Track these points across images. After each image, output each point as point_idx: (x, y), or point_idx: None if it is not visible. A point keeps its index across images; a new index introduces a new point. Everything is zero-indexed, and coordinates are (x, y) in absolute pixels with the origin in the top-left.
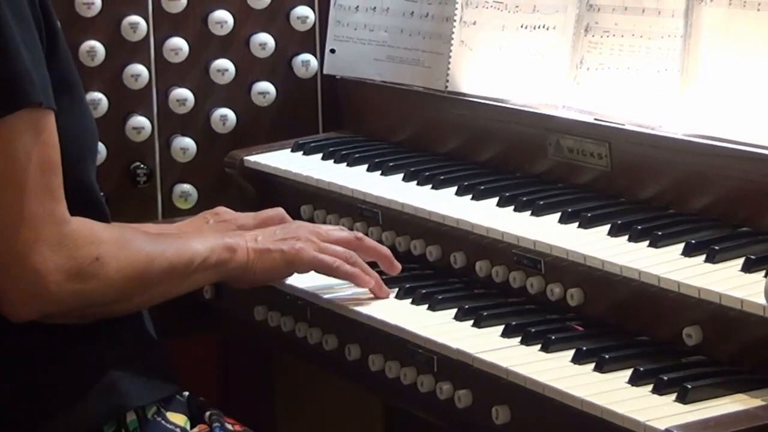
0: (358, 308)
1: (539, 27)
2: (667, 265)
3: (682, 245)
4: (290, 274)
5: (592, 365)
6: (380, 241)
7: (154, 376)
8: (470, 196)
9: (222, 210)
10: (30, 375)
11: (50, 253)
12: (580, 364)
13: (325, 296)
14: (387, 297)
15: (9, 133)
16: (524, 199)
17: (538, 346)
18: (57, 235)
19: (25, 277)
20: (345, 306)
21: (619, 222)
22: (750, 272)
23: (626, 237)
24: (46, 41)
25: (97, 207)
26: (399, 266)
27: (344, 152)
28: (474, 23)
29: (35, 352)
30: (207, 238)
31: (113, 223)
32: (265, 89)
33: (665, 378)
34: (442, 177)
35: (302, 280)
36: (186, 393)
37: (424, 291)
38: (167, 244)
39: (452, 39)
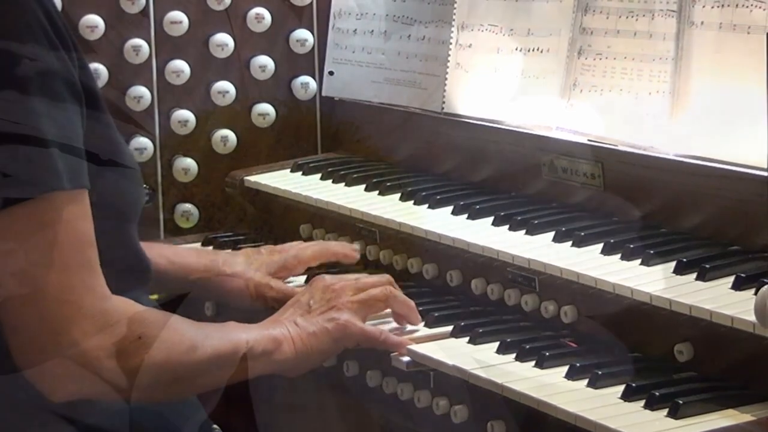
0: None
1: (533, 50)
2: (659, 283)
3: (673, 263)
4: (340, 350)
5: (586, 381)
6: (378, 260)
7: (192, 413)
8: (466, 215)
9: (269, 246)
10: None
11: (91, 329)
12: (573, 380)
13: None
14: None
15: (41, 214)
16: (519, 218)
17: (533, 363)
18: (98, 310)
19: (64, 353)
20: None
21: (612, 241)
22: (740, 290)
23: (619, 255)
24: (89, 112)
25: (142, 266)
26: (420, 319)
27: (342, 172)
28: (470, 46)
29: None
30: (251, 328)
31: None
32: (265, 111)
33: (657, 393)
34: (438, 197)
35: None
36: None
37: (420, 309)
38: (210, 331)
39: (448, 61)
